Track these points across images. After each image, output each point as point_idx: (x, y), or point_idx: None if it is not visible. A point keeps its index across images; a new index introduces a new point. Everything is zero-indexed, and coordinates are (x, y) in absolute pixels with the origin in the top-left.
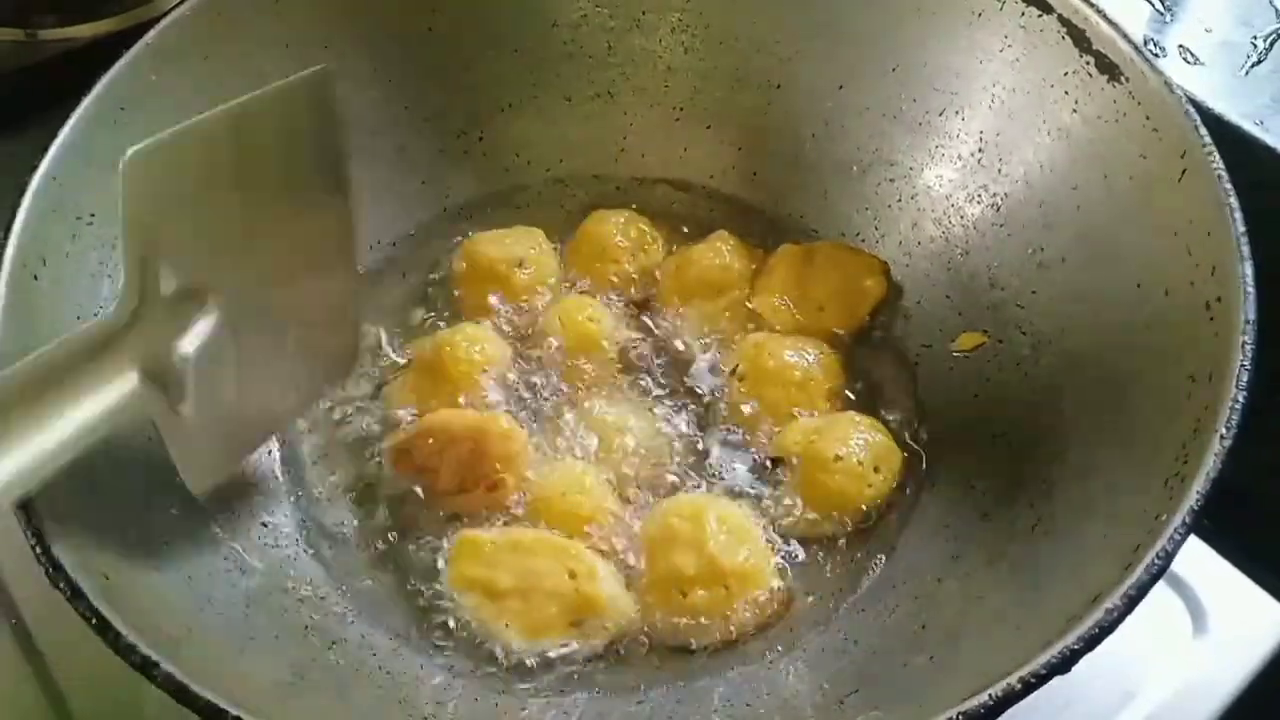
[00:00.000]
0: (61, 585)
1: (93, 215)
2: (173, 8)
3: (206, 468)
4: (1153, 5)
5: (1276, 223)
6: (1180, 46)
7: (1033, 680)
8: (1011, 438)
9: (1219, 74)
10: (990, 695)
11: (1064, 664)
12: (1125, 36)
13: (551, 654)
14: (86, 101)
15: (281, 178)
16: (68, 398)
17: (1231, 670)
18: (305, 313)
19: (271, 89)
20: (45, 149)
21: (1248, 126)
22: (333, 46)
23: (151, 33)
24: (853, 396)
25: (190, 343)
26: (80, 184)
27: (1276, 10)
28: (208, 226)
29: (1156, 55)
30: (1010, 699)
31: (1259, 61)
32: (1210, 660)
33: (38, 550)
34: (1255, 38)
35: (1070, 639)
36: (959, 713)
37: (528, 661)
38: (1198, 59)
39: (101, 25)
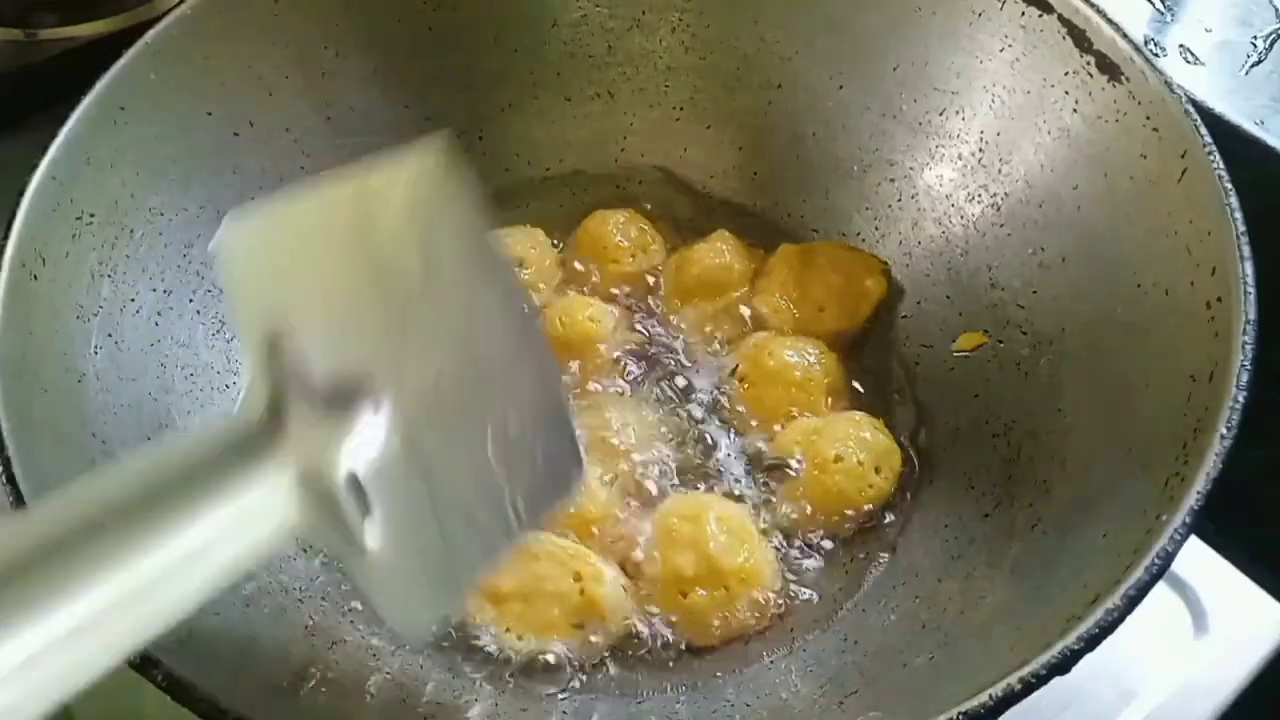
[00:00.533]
0: None
1: (92, 215)
2: (172, 7)
3: (417, 608)
4: (1153, 5)
5: (1276, 223)
6: (1181, 46)
7: (1033, 680)
8: (1011, 438)
9: (1219, 74)
10: (990, 695)
11: (1064, 664)
12: (1126, 36)
13: (552, 656)
14: (86, 101)
15: (426, 256)
16: (192, 521)
17: (1231, 670)
18: (504, 414)
19: (383, 164)
20: (45, 149)
21: (1248, 126)
22: (332, 46)
23: (151, 32)
24: (853, 397)
25: (359, 454)
26: (80, 184)
27: (1276, 10)
28: (347, 309)
29: (1157, 55)
30: (1010, 699)
31: (1259, 61)
32: (1210, 660)
33: None
34: (1255, 38)
35: (1070, 639)
36: (959, 713)
37: (528, 663)
38: (1198, 59)
39: (101, 25)
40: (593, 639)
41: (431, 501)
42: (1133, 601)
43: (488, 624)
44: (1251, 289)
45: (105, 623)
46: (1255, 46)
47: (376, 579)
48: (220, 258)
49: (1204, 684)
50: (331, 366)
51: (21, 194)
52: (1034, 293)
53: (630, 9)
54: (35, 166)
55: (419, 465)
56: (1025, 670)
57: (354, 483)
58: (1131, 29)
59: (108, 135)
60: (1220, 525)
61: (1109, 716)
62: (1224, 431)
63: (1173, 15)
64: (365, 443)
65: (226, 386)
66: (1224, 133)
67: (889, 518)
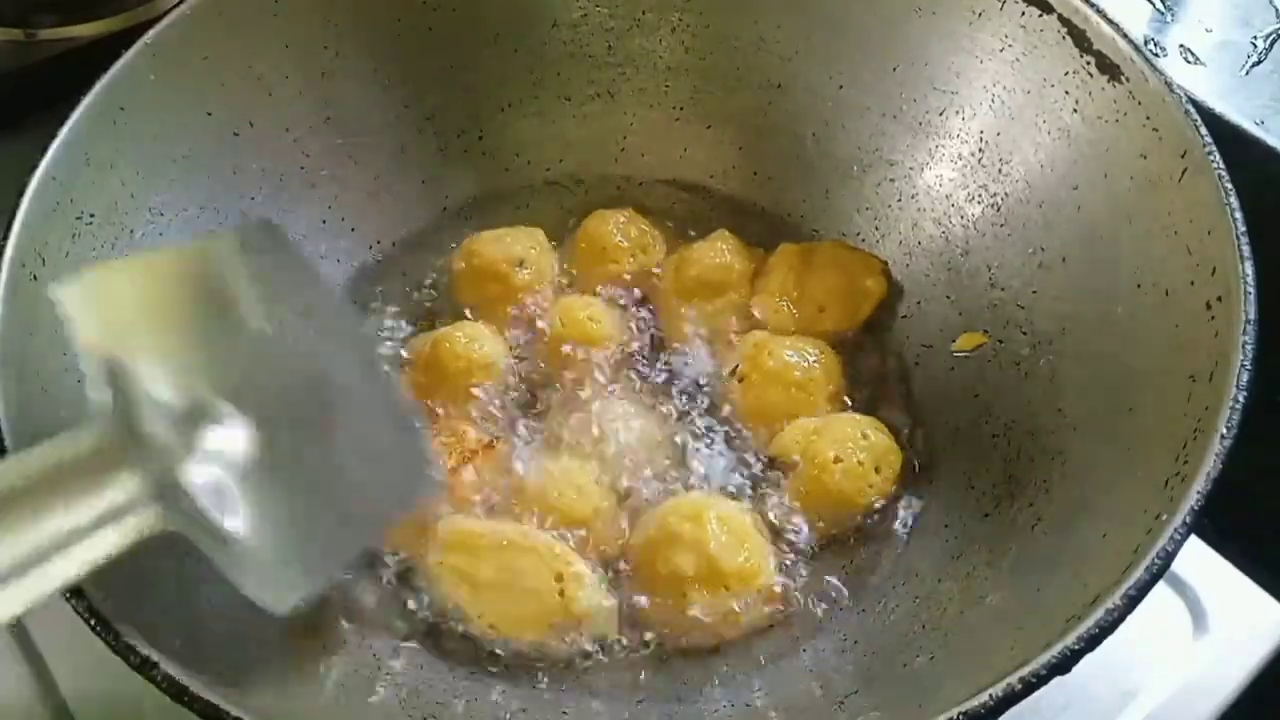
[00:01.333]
0: None
1: (93, 215)
2: (172, 8)
3: (280, 589)
4: (1153, 5)
5: (1276, 223)
6: (1181, 46)
7: (1033, 680)
8: (1011, 438)
9: (1219, 74)
10: (990, 695)
11: (1064, 664)
12: (1126, 36)
13: (543, 655)
14: (86, 101)
15: (263, 294)
16: (46, 522)
17: (1231, 670)
18: (353, 427)
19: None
20: (45, 149)
21: (1248, 126)
22: (332, 46)
23: (151, 33)
24: (853, 397)
25: (214, 461)
26: (80, 184)
27: (1276, 10)
28: (190, 343)
29: (1157, 55)
30: (1011, 699)
31: (1259, 61)
32: (1210, 660)
33: None
34: (1255, 38)
35: (1071, 639)
36: (959, 713)
37: (528, 662)
38: (1198, 59)
39: (101, 25)
40: (566, 639)
41: (290, 498)
42: (1133, 601)
43: (461, 607)
44: (1251, 289)
45: None
46: (1255, 46)
47: (241, 565)
48: (60, 298)
49: (1204, 684)
50: (179, 391)
51: (21, 194)
52: (1034, 293)
53: (630, 9)
54: (35, 166)
55: (276, 467)
56: (1025, 670)
57: (214, 485)
58: (1131, 29)
59: (108, 135)
60: (1220, 525)
61: (1109, 716)
62: (1224, 431)
63: (1173, 15)
64: (218, 452)
65: None
66: (1224, 133)
67: (889, 518)
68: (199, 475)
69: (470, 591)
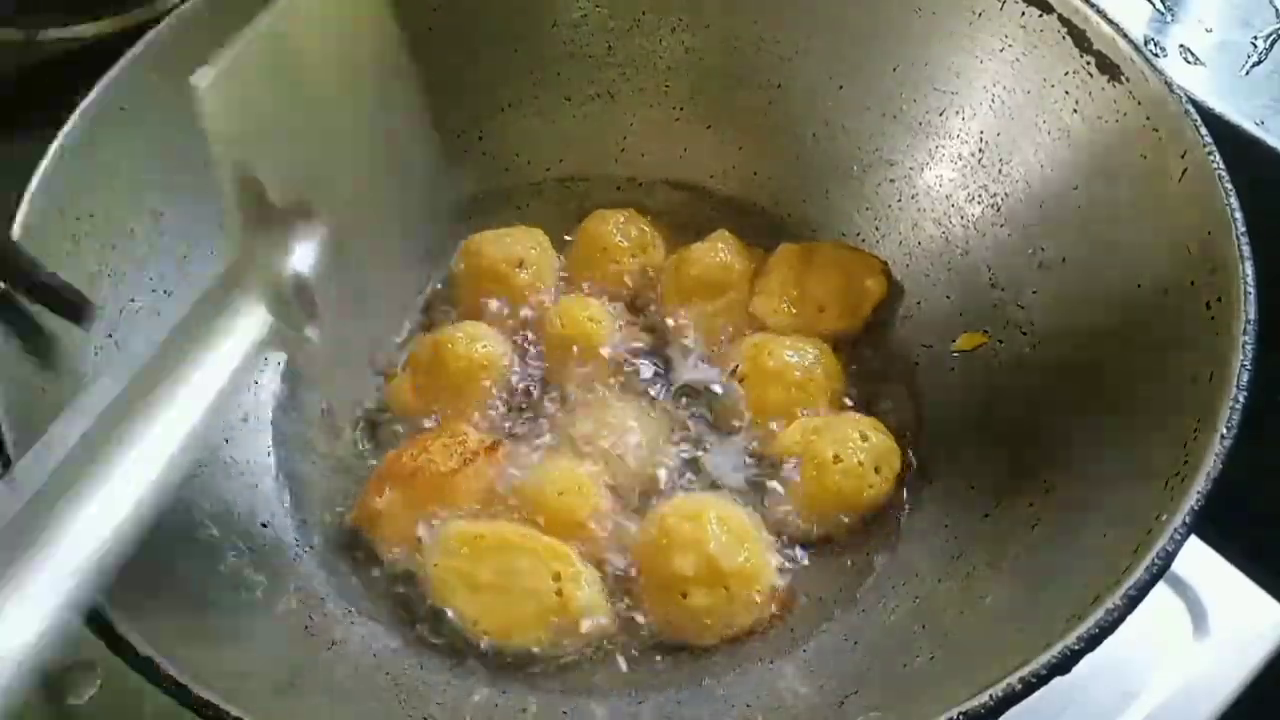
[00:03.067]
0: None
1: (92, 215)
2: (172, 8)
3: (345, 384)
4: (1153, 5)
5: (1276, 223)
6: (1181, 46)
7: (1033, 680)
8: (1011, 438)
9: (1219, 74)
10: (990, 695)
11: (1064, 664)
12: (1126, 36)
13: (539, 653)
14: (86, 102)
15: (345, 73)
16: (212, 351)
17: (1231, 670)
18: (397, 211)
19: None
20: (45, 149)
21: (1248, 126)
22: None
23: (151, 33)
24: (852, 397)
25: (303, 262)
26: (80, 184)
27: (1276, 10)
28: (291, 135)
29: (1157, 55)
30: (1011, 699)
31: (1259, 61)
32: (1210, 660)
33: None
34: (1255, 38)
35: (1071, 639)
36: (959, 713)
37: (528, 663)
38: (1198, 59)
39: (102, 25)
40: (563, 643)
41: (353, 290)
42: (1133, 601)
43: (459, 611)
44: (1251, 289)
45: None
46: (1255, 46)
47: (320, 363)
48: (200, 106)
49: (1204, 684)
50: (283, 192)
51: (21, 194)
52: (1034, 293)
53: (630, 9)
54: (35, 166)
55: (344, 263)
56: (1025, 670)
57: (303, 285)
58: (1131, 29)
59: (108, 136)
60: (1220, 525)
61: (1109, 716)
62: (1224, 431)
63: (1173, 15)
64: (309, 252)
65: None
66: (1224, 133)
67: (888, 518)
68: (290, 276)
69: (469, 594)
